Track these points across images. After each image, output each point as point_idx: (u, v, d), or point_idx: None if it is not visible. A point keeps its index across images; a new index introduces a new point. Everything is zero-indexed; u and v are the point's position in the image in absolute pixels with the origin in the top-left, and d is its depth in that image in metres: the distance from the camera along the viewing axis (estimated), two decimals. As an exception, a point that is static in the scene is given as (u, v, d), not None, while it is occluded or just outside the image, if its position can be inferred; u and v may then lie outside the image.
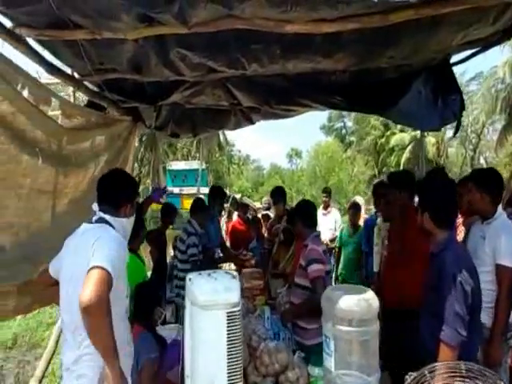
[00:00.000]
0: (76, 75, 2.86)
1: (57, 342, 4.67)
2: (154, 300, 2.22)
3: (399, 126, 33.08)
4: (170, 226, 4.52)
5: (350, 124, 40.70)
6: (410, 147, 31.44)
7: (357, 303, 1.62)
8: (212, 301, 1.56)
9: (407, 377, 1.51)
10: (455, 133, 3.59)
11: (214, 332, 1.58)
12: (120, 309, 1.67)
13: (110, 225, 1.71)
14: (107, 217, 1.73)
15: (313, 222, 2.85)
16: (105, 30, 2.13)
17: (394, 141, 32.43)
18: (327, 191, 6.35)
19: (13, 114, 1.97)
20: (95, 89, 3.12)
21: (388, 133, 34.04)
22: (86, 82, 3.00)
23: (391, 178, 3.21)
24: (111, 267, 1.45)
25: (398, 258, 2.76)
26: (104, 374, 1.47)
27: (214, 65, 2.63)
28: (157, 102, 3.19)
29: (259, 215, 5.45)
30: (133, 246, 2.50)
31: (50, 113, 2.43)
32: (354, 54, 2.59)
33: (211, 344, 1.59)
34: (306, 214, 2.83)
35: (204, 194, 8.61)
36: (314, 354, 2.40)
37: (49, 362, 4.15)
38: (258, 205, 7.15)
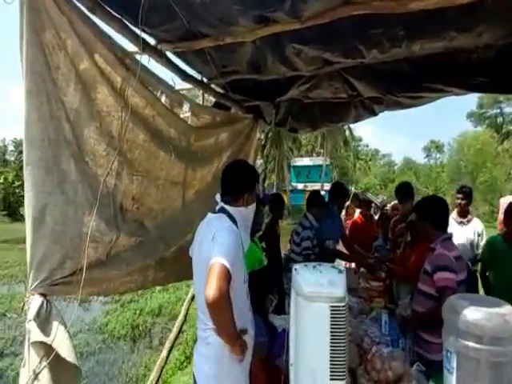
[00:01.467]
0: (204, 80, 3.25)
1: (185, 315, 5.48)
2: (266, 288, 2.38)
3: None
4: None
5: (508, 110, 34.47)
6: None
7: (488, 317, 1.40)
8: (315, 293, 1.60)
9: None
10: None
11: (317, 324, 1.62)
12: (241, 293, 1.87)
13: (230, 214, 1.90)
14: (227, 207, 1.94)
15: (443, 223, 2.55)
16: (226, 35, 2.37)
17: None
18: (465, 191, 4.22)
19: (153, 116, 2.39)
20: (221, 91, 3.47)
21: None
22: (212, 85, 3.37)
23: None
24: (229, 261, 1.62)
25: None
26: None
27: (329, 56, 2.63)
28: (275, 99, 3.36)
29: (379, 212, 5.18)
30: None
31: (182, 115, 2.85)
32: (501, 24, 2.23)
33: (314, 335, 1.63)
34: (435, 212, 2.54)
35: (327, 191, 8.64)
36: (436, 371, 2.20)
37: (179, 331, 4.90)
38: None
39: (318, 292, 1.59)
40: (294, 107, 3.99)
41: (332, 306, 1.57)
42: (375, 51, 2.51)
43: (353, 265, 4.40)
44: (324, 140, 35.34)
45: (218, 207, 1.98)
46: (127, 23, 2.17)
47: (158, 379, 3.30)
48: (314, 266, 1.71)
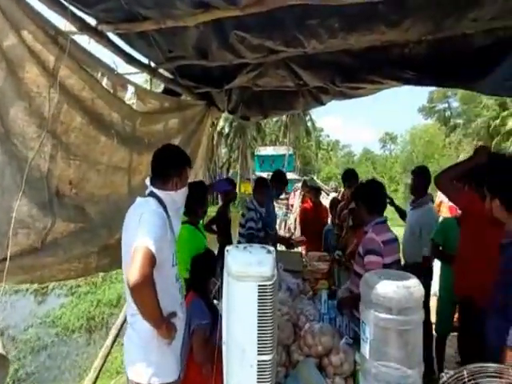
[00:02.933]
0: (152, 64, 3.15)
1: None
2: (209, 270, 2.38)
3: (519, 106, 28.44)
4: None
5: (455, 104, 36.40)
6: (532, 130, 26.88)
7: (396, 290, 1.51)
8: (244, 272, 1.62)
9: (443, 374, 1.39)
10: None
11: (245, 303, 1.64)
12: (168, 276, 1.85)
13: (158, 198, 1.86)
14: (156, 190, 1.90)
15: (376, 207, 2.56)
16: (167, 18, 2.30)
17: None
18: (413, 171, 3.68)
19: (92, 99, 2.29)
20: (170, 76, 3.39)
21: (505, 113, 29.55)
22: (161, 70, 3.28)
23: None
24: (154, 244, 1.58)
25: None
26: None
27: (272, 45, 2.63)
28: (223, 86, 3.33)
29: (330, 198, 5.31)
30: (192, 220, 2.71)
31: (128, 100, 2.75)
32: (424, 20, 2.34)
33: (243, 314, 1.67)
34: (368, 196, 2.58)
35: (290, 180, 8.70)
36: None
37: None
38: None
39: (246, 271, 1.61)
40: (245, 95, 3.98)
41: (260, 285, 1.60)
42: (314, 41, 2.55)
43: (300, 249, 4.51)
44: (287, 130, 35.79)
45: (147, 191, 1.94)
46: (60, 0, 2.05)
47: (101, 367, 3.25)
48: (245, 247, 1.73)
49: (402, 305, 1.46)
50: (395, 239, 2.39)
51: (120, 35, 2.64)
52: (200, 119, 3.99)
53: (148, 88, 3.22)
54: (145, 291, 1.55)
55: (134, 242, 1.61)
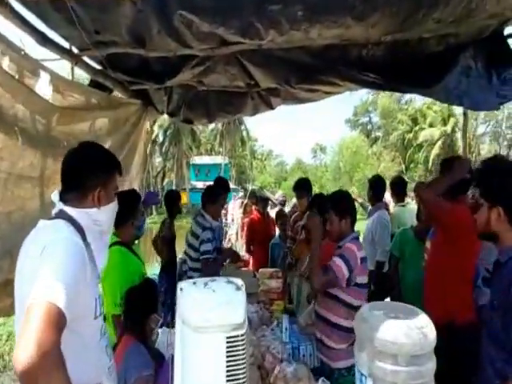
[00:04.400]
0: (74, 49, 2.54)
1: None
2: (148, 306, 1.86)
3: (428, 121, 31.81)
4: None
5: (376, 119, 39.50)
6: (439, 143, 30.09)
7: (407, 333, 1.13)
8: (207, 321, 1.17)
9: None
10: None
11: (209, 360, 1.19)
12: (88, 333, 1.24)
13: (72, 220, 1.26)
14: (68, 208, 1.28)
15: (354, 220, 2.22)
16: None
17: (422, 136, 31.16)
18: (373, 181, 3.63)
19: (-16, 85, 1.66)
20: (98, 67, 2.79)
21: (416, 128, 32.75)
22: (86, 59, 2.68)
23: None
24: (63, 296, 1.00)
25: None
26: None
27: (225, 33, 2.23)
28: (164, 81, 2.83)
29: (275, 210, 4.96)
30: (124, 239, 2.14)
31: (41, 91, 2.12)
32: (392, 15, 2.13)
33: (206, 373, 1.21)
34: (346, 208, 2.20)
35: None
36: (341, 380, 1.99)
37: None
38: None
39: (209, 320, 1.16)
40: (188, 95, 3.50)
41: (228, 337, 1.16)
42: (273, 32, 2.20)
43: (250, 266, 4.09)
44: (223, 139, 35.46)
45: (54, 210, 1.32)
46: None
47: None
48: (206, 284, 1.28)
49: (416, 351, 1.12)
50: (366, 258, 2.11)
51: (27, 4, 2.02)
52: (135, 121, 3.41)
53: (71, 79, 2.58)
54: (43, 376, 0.89)
55: (30, 291, 1.01)
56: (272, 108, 3.77)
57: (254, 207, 5.05)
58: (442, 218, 2.25)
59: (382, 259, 3.28)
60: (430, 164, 30.21)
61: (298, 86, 2.92)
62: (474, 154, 30.74)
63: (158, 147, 33.71)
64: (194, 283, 1.29)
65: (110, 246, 2.07)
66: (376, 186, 3.54)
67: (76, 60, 2.55)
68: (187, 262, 3.21)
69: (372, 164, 33.59)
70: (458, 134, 30.37)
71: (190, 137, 33.30)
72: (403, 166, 33.62)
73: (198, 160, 36.69)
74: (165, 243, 3.80)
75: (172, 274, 3.70)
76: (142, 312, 1.83)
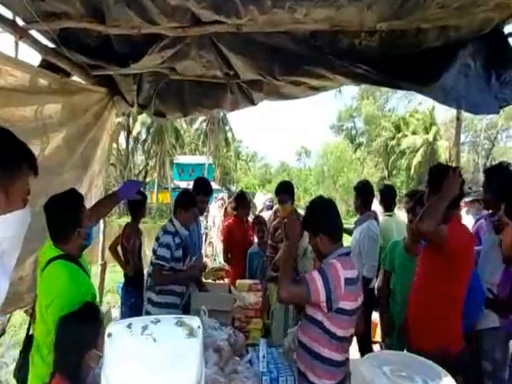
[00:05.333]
0: (19, 21, 2.14)
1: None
2: (86, 339, 1.47)
3: (411, 129, 32.21)
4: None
5: (360, 125, 39.77)
6: (421, 151, 30.48)
7: None
8: None
9: None
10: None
11: None
12: None
13: None
14: None
15: (338, 233, 1.87)
16: None
17: (405, 143, 31.50)
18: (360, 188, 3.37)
19: None
20: (49, 44, 2.39)
21: (399, 135, 33.09)
22: (35, 33, 2.28)
23: None
24: None
25: None
26: None
27: (196, 8, 1.88)
28: (128, 65, 2.44)
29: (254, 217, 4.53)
30: (70, 252, 1.73)
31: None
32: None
33: None
34: (316, 224, 1.83)
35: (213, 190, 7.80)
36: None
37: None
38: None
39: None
40: (161, 85, 3.12)
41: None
42: (253, 9, 1.87)
43: (226, 279, 3.70)
44: (207, 139, 34.88)
45: None
46: None
47: None
48: (144, 328, 0.91)
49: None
50: (358, 278, 1.76)
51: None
52: (98, 111, 3.01)
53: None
54: None
55: None
56: (254, 104, 3.43)
57: (233, 212, 4.62)
58: (442, 245, 1.99)
59: (370, 275, 2.98)
60: (412, 171, 30.55)
61: (282, 78, 2.59)
62: (453, 163, 31.25)
63: (140, 145, 32.88)
64: (129, 326, 0.92)
65: (52, 260, 1.68)
66: (364, 192, 3.23)
67: (21, 34, 2.14)
68: (150, 275, 2.82)
69: (355, 169, 33.73)
70: (439, 143, 30.84)
71: (174, 135, 32.65)
72: (386, 172, 33.90)
73: (181, 159, 35.95)
74: (129, 252, 3.39)
75: (140, 287, 3.28)
76: (77, 347, 1.44)
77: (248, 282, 3.03)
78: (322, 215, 1.82)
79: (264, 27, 2.16)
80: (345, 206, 28.30)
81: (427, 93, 2.54)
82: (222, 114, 33.28)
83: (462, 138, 34.88)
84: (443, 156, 30.20)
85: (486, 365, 2.39)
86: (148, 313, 2.69)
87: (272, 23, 2.08)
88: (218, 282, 2.99)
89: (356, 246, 3.04)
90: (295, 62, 2.41)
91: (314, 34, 2.31)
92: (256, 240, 3.94)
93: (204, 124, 35.06)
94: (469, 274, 2.12)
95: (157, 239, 2.73)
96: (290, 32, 2.26)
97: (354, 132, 41.17)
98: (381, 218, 3.56)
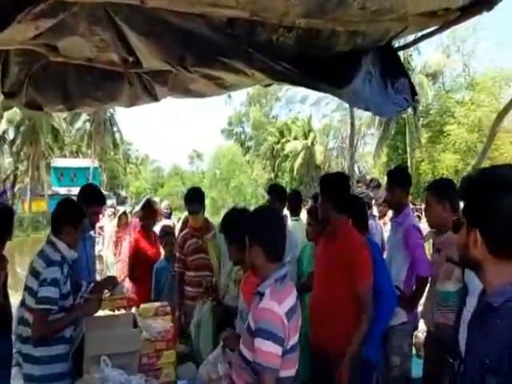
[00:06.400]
0: None
1: None
2: None
3: (293, 134, 34.86)
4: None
5: (248, 129, 41.25)
6: (301, 154, 33.22)
7: None
8: None
9: None
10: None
11: None
12: None
13: None
14: None
15: (278, 252, 1.53)
16: None
17: (288, 147, 33.89)
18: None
19: None
20: None
21: (283, 140, 35.47)
22: None
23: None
24: None
25: None
26: None
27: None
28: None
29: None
30: None
31: None
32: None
33: None
34: (269, 232, 1.51)
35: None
36: None
37: None
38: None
39: None
40: (35, 68, 2.39)
41: None
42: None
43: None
44: (91, 140, 31.26)
45: None
46: None
47: None
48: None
49: None
50: (297, 305, 1.49)
51: None
52: None
53: None
54: None
55: None
56: (156, 99, 2.94)
57: (139, 221, 3.85)
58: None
59: None
60: (295, 173, 33.04)
61: (195, 70, 2.21)
62: (326, 165, 34.92)
63: (7, 146, 27.48)
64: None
65: None
66: (276, 195, 3.09)
67: None
68: (23, 321, 2.02)
69: (246, 171, 34.79)
70: (316, 147, 34.12)
71: (51, 135, 28.29)
72: (273, 174, 35.91)
73: (60, 162, 31.31)
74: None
75: (6, 336, 2.39)
76: None
77: (153, 305, 2.53)
78: (261, 224, 1.53)
79: (174, 5, 1.77)
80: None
81: (340, 95, 2.52)
82: (108, 114, 30.28)
83: (331, 143, 39.36)
84: (319, 159, 33.57)
85: (395, 359, 2.47)
86: (27, 376, 1.96)
87: (184, 1, 1.71)
88: (118, 312, 2.38)
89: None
90: (211, 51, 2.07)
91: (232, 22, 2.01)
92: (163, 253, 3.42)
93: (88, 124, 31.34)
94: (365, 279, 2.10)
95: (35, 274, 1.97)
96: (206, 16, 1.92)
97: (243, 136, 42.50)
98: (290, 223, 3.49)
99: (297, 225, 3.54)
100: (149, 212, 3.62)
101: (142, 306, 2.52)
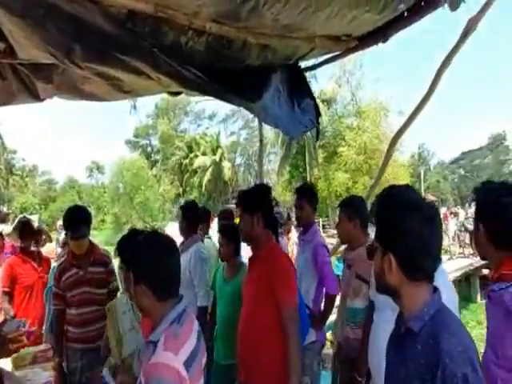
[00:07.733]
0: None
1: None
2: None
3: (202, 149, 34.60)
4: None
5: (155, 142, 39.53)
6: (210, 170, 33.13)
7: None
8: None
9: None
10: (316, 139, 3.14)
11: None
12: None
13: None
14: None
15: (170, 289, 1.25)
16: None
17: (197, 163, 33.48)
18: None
19: None
20: None
21: (192, 155, 34.93)
22: None
23: None
24: None
25: None
26: None
27: None
28: None
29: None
30: None
31: None
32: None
33: None
34: (153, 273, 1.21)
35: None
36: None
37: None
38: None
39: None
40: None
41: None
42: None
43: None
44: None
45: None
46: None
47: None
48: None
49: None
50: (199, 343, 1.24)
51: None
52: None
53: None
54: None
55: None
56: (39, 99, 2.42)
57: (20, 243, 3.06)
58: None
59: (204, 303, 2.56)
60: (204, 188, 32.68)
61: (86, 65, 1.84)
62: (233, 181, 35.50)
63: None
64: None
65: None
66: (189, 213, 2.83)
67: None
68: None
69: (152, 186, 33.00)
70: (224, 163, 34.45)
71: None
72: (181, 189, 34.91)
73: None
74: None
75: None
76: None
77: (31, 350, 2.00)
78: (146, 258, 1.21)
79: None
80: (142, 224, 27.04)
81: (251, 110, 2.44)
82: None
83: (238, 160, 40.34)
84: (227, 175, 33.92)
85: (306, 380, 2.38)
86: None
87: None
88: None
89: (185, 274, 2.56)
90: (106, 45, 1.74)
91: (133, 15, 1.74)
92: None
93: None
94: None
95: None
96: (100, 3, 1.61)
97: (149, 149, 40.53)
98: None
99: (209, 243, 3.33)
100: (25, 232, 2.95)
101: (14, 356, 1.95)
